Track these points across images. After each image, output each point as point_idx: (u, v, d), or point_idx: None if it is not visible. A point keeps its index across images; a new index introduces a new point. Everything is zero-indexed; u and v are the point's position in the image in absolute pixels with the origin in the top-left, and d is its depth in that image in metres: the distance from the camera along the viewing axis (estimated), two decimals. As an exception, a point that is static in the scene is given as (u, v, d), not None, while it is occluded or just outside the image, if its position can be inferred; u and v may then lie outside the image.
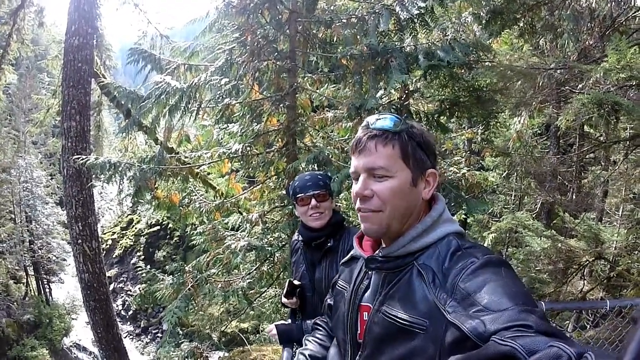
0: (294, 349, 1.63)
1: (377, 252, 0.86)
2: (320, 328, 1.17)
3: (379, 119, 0.82)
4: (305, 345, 1.14)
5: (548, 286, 5.93)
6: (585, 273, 6.23)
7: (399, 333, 0.74)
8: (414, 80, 3.52)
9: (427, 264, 0.76)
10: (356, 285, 0.90)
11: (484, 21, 4.06)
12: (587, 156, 7.35)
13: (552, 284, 5.93)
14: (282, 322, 1.77)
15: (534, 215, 6.09)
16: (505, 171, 6.49)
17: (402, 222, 0.81)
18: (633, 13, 4.72)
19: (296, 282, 1.69)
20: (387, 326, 0.77)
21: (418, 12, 3.26)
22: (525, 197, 7.22)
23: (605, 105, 3.19)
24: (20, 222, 16.04)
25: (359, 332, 0.87)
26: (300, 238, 1.77)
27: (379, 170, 0.79)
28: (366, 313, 0.85)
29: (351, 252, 1.02)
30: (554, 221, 7.37)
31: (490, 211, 6.58)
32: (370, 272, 0.88)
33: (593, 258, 5.68)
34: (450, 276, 0.70)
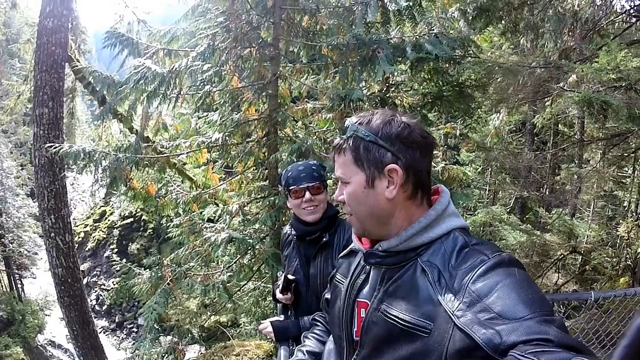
0: (290, 347, 1.57)
1: (377, 246, 0.80)
2: (319, 324, 1.14)
3: (342, 125, 0.83)
4: (304, 342, 1.10)
5: (523, 279, 6.14)
6: (559, 266, 6.47)
7: (400, 334, 0.70)
8: (395, 74, 3.51)
9: (432, 261, 0.71)
10: (353, 280, 0.86)
11: (470, 17, 4.08)
12: (562, 154, 7.60)
13: (528, 277, 6.14)
14: (277, 318, 1.68)
15: (508, 210, 6.27)
16: (480, 166, 6.63)
17: (377, 225, 0.78)
18: (614, 18, 4.87)
19: (291, 277, 1.61)
20: (387, 326, 0.73)
21: (407, 3, 3.24)
22: (500, 192, 7.42)
23: (595, 104, 3.27)
24: (-11, 215, 15.30)
25: (355, 329, 0.83)
26: (294, 232, 1.68)
27: (340, 178, 0.81)
28: (363, 310, 0.81)
29: (350, 246, 0.97)
30: (527, 215, 7.62)
31: (464, 205, 6.72)
32: (368, 267, 0.85)
33: (567, 252, 5.91)
34: (458, 276, 0.65)
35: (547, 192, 7.10)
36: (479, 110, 4.59)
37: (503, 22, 4.55)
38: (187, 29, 3.66)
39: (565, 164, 7.56)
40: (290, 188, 1.57)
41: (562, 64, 4.04)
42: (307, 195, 1.55)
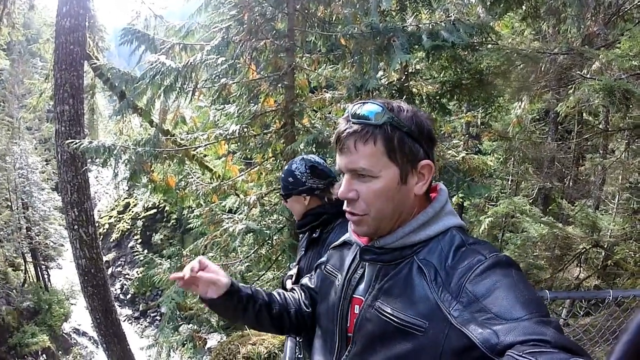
0: (297, 339, 1.59)
1: (373, 241, 0.78)
2: (295, 292, 1.05)
3: (359, 108, 0.72)
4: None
5: (545, 272, 5.99)
6: (581, 260, 6.29)
7: (394, 332, 0.68)
8: (414, 62, 3.44)
9: (429, 259, 0.69)
10: (349, 275, 0.83)
11: (488, 2, 3.95)
12: (586, 144, 7.33)
13: (549, 270, 5.99)
14: None
15: (530, 201, 6.11)
16: (503, 155, 6.47)
17: (392, 221, 0.75)
18: (638, 1, 4.63)
19: (294, 269, 1.65)
20: (381, 324, 0.71)
21: (422, -10, 3.16)
22: (523, 182, 7.23)
23: (616, 93, 3.13)
24: (17, 209, 15.97)
25: (349, 325, 0.81)
26: None
27: (361, 170, 0.72)
28: (357, 306, 0.79)
29: (344, 237, 0.94)
30: (550, 207, 7.41)
31: (487, 195, 6.59)
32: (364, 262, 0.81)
33: (590, 246, 5.73)
34: (455, 276, 0.65)
35: (570, 183, 6.88)
36: (499, 98, 4.46)
37: (523, 7, 4.38)
38: (202, 22, 3.68)
39: (589, 154, 7.30)
40: None
41: (583, 50, 3.87)
42: (283, 201, 1.63)
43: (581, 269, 6.25)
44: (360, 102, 0.74)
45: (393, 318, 0.69)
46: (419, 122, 0.73)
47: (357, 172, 0.72)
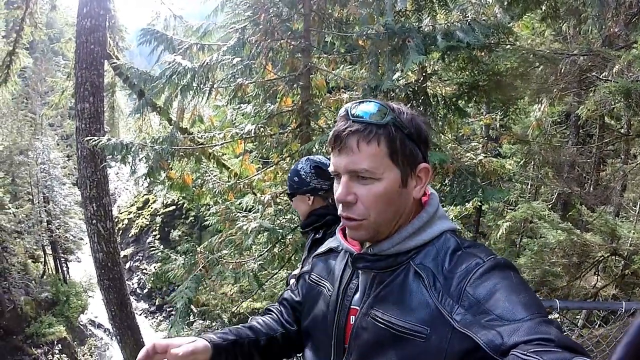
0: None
1: (366, 248, 0.75)
2: (272, 313, 0.98)
3: (360, 107, 0.69)
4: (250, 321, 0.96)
5: (561, 280, 5.84)
6: (599, 269, 6.12)
7: (393, 340, 0.66)
8: (431, 63, 3.42)
9: (425, 264, 0.68)
10: (345, 285, 0.79)
11: (505, 2, 3.88)
12: (606, 148, 7.11)
13: (565, 278, 5.83)
14: None
15: (550, 206, 5.97)
16: (522, 159, 6.34)
17: (390, 226, 0.72)
18: (660, 1, 4.47)
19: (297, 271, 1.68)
20: (378, 332, 0.68)
21: (438, -10, 3.13)
22: (542, 187, 7.06)
23: (633, 95, 3.04)
24: (38, 202, 16.53)
25: (346, 336, 0.77)
26: None
27: (363, 172, 0.68)
28: (353, 317, 0.75)
29: (329, 243, 0.90)
30: (570, 213, 7.22)
31: (505, 199, 6.46)
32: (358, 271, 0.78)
33: (608, 254, 5.56)
34: (454, 280, 0.64)
35: (590, 189, 6.68)
36: (518, 101, 4.38)
37: (543, 7, 4.28)
38: (219, 23, 3.74)
39: (611, 159, 7.08)
40: None
41: (600, 51, 3.76)
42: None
43: (599, 277, 6.07)
44: (358, 101, 0.72)
45: (391, 325, 0.67)
46: (418, 125, 0.72)
47: (357, 174, 0.69)
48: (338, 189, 0.71)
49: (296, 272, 1.68)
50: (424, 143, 0.73)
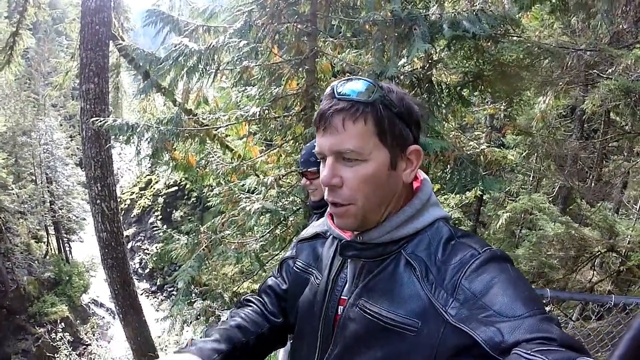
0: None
1: (355, 236, 0.71)
2: (253, 305, 0.91)
3: (347, 85, 0.65)
4: (232, 317, 0.89)
5: (557, 272, 5.91)
6: (595, 264, 6.18)
7: (382, 333, 0.63)
8: (437, 50, 3.41)
9: (417, 254, 0.65)
10: (335, 274, 0.75)
11: (515, -7, 3.84)
12: (610, 144, 7.09)
13: (562, 271, 5.90)
14: None
15: (550, 199, 6.00)
16: (525, 151, 6.34)
17: (379, 212, 0.68)
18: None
19: None
20: (366, 324, 0.65)
21: (447, -23, 3.10)
22: (544, 180, 7.08)
23: (632, 94, 3.04)
24: (41, 183, 16.66)
25: (333, 327, 0.74)
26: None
27: (349, 153, 0.64)
28: (341, 307, 0.72)
29: (316, 228, 0.86)
30: (570, 207, 7.26)
31: (507, 190, 6.46)
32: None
33: (605, 249, 5.62)
34: (449, 272, 0.61)
35: (591, 184, 6.71)
36: (523, 92, 4.37)
37: (552, -1, 4.23)
38: (225, 5, 3.72)
39: (614, 155, 7.07)
40: (298, 168, 1.65)
41: (603, 49, 3.74)
42: (304, 180, 1.61)
43: (595, 272, 6.14)
44: (345, 79, 0.68)
45: (381, 317, 0.63)
46: (408, 105, 0.68)
47: (343, 155, 0.65)
48: (323, 172, 0.66)
49: None
50: (415, 124, 0.69)
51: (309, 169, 1.58)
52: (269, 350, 0.90)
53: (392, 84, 0.70)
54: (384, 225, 0.68)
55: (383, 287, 0.66)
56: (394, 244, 0.67)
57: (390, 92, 0.66)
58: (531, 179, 7.13)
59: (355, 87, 0.65)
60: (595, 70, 4.01)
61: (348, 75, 3.58)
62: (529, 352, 0.47)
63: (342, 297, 0.73)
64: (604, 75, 3.59)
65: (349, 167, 0.65)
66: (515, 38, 3.60)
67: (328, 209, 0.73)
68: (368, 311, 0.65)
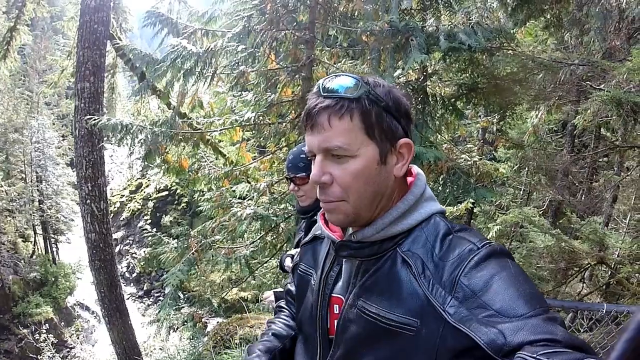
0: None
1: (349, 235, 0.71)
2: (285, 310, 0.99)
3: (331, 82, 0.65)
4: (269, 326, 0.96)
5: (547, 284, 5.95)
6: (585, 276, 6.23)
7: (382, 334, 0.62)
8: (433, 63, 3.46)
9: (413, 250, 0.63)
10: (325, 273, 0.75)
11: (510, 8, 3.93)
12: (601, 159, 7.21)
13: (552, 283, 5.94)
14: (281, 289, 1.72)
15: (541, 212, 6.06)
16: (516, 164, 6.42)
17: (371, 208, 0.67)
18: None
19: (294, 250, 1.66)
20: (365, 325, 0.64)
21: (444, -9, 3.17)
22: (534, 193, 7.16)
23: (624, 105, 3.10)
24: (31, 181, 16.39)
25: (329, 326, 0.74)
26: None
27: (337, 150, 0.63)
28: (337, 306, 0.71)
29: (313, 231, 0.86)
30: (560, 220, 7.34)
31: (497, 203, 6.51)
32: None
33: (595, 262, 5.67)
34: (447, 268, 0.59)
35: (582, 198, 6.79)
36: (516, 106, 4.44)
37: (546, 15, 4.34)
38: (225, 10, 3.74)
39: (605, 170, 7.18)
40: (285, 174, 1.60)
41: (596, 62, 3.82)
42: (292, 185, 1.58)
43: (584, 284, 6.19)
44: (330, 76, 0.67)
45: (379, 318, 0.62)
46: (396, 98, 0.66)
47: (331, 152, 0.64)
48: (313, 170, 0.66)
49: (292, 252, 1.70)
50: (405, 117, 0.67)
51: (297, 175, 1.55)
52: None
53: (379, 78, 0.69)
54: (376, 222, 0.67)
55: (380, 286, 0.65)
56: (390, 241, 0.66)
57: (377, 86, 0.65)
58: (522, 192, 7.21)
59: (340, 83, 0.64)
60: (588, 82, 4.09)
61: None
62: (534, 355, 0.45)
63: (333, 294, 0.73)
64: (597, 88, 3.66)
65: (338, 164, 0.64)
66: (510, 52, 3.66)
67: (320, 210, 0.73)
68: (367, 312, 0.64)
